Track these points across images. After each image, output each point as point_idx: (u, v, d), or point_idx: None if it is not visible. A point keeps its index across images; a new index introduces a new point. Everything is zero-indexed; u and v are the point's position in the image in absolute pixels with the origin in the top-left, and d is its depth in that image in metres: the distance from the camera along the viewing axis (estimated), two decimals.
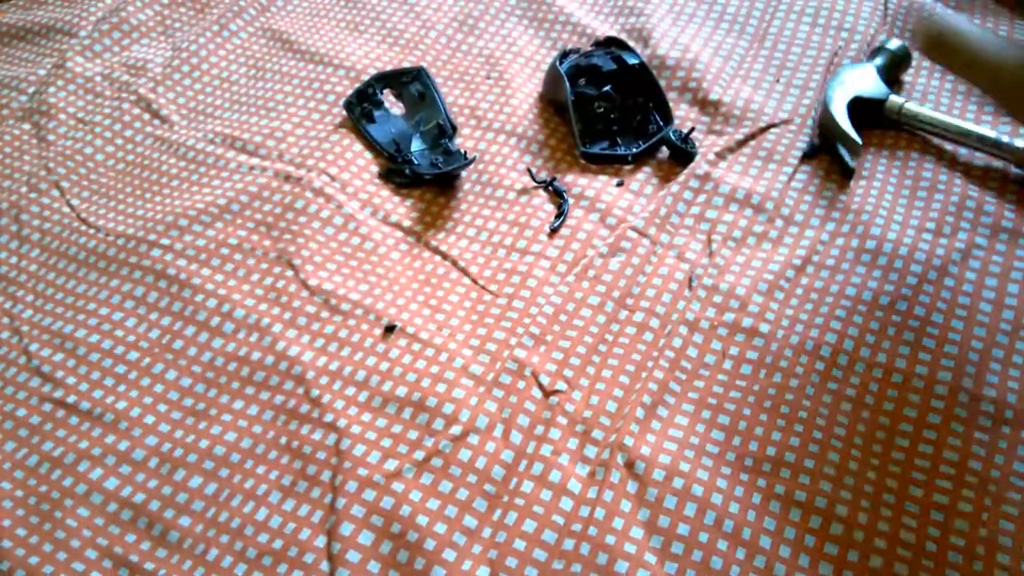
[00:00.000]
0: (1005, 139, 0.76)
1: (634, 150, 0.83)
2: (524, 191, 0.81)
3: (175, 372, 0.71)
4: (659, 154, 0.84)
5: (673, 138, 0.82)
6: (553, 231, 0.77)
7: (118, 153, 0.91)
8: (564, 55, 0.90)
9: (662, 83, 0.89)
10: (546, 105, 0.90)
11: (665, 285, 0.72)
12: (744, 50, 0.92)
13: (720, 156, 0.81)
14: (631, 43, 0.92)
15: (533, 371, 0.67)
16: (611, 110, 0.85)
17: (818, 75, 0.88)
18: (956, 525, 0.57)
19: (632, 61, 0.87)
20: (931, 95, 0.86)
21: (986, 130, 0.77)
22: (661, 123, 0.85)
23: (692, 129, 0.83)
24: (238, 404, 0.69)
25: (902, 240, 0.73)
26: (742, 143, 0.83)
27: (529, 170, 0.82)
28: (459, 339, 0.71)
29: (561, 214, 0.78)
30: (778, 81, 0.88)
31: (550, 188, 0.81)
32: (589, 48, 0.93)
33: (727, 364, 0.67)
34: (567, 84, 0.85)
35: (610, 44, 0.92)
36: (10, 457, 0.67)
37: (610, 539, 0.58)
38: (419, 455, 0.64)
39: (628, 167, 0.83)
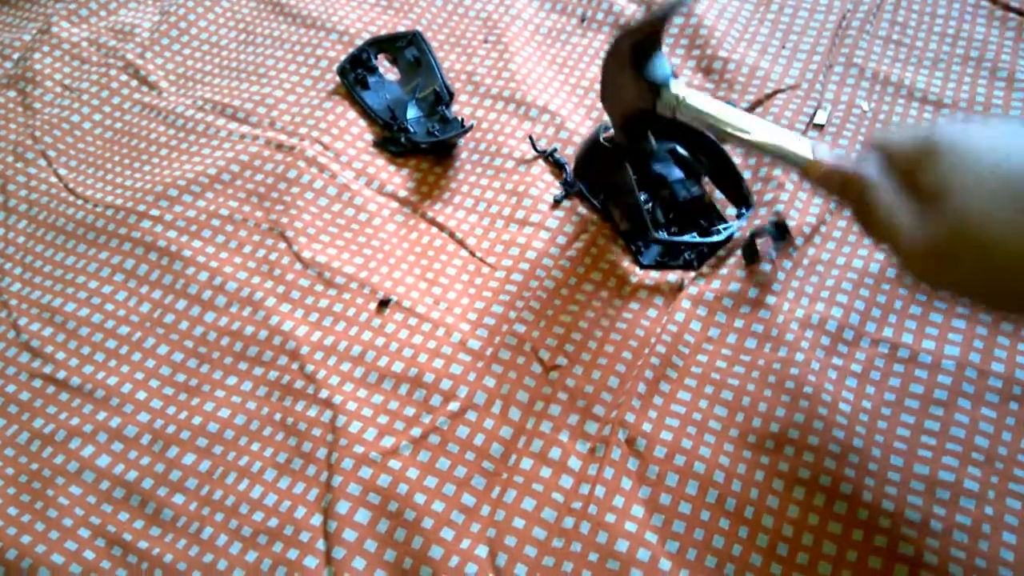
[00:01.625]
0: (792, 148, 0.57)
1: (708, 240, 0.70)
2: (523, 160, 0.79)
3: (167, 347, 0.70)
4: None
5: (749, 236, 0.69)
6: (557, 202, 0.75)
7: (106, 121, 0.88)
8: (605, 129, 0.74)
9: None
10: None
11: None
12: (750, 13, 0.90)
13: None
14: (632, 5, 0.88)
15: (533, 346, 0.66)
16: (671, 201, 0.73)
17: (825, 40, 0.86)
18: (962, 503, 0.56)
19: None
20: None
21: (773, 136, 0.59)
22: (740, 210, 0.71)
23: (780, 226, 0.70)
24: (231, 380, 0.67)
25: None
26: (748, 110, 0.80)
27: (530, 137, 0.80)
28: (456, 313, 0.69)
29: (567, 185, 0.76)
30: (783, 47, 0.86)
31: (550, 159, 0.79)
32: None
33: (731, 338, 0.65)
34: (630, 172, 0.70)
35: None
36: (0, 434, 0.66)
37: (610, 517, 0.57)
38: (416, 432, 0.62)
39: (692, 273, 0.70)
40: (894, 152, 0.49)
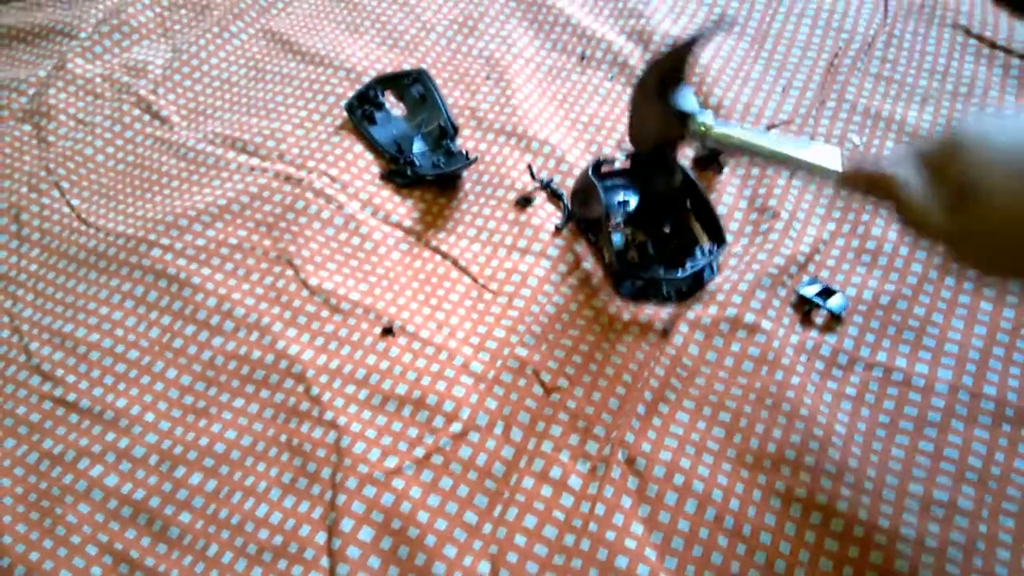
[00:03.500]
0: (819, 162, 0.58)
1: (679, 273, 0.71)
2: (524, 191, 0.81)
3: (175, 370, 0.71)
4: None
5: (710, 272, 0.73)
6: (558, 230, 0.77)
7: (118, 154, 0.91)
8: (598, 165, 0.78)
9: None
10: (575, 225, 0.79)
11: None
12: (744, 52, 0.93)
13: (723, 158, 0.82)
14: (631, 45, 0.91)
15: (535, 369, 0.67)
16: (649, 238, 0.75)
17: (818, 77, 0.89)
18: (956, 521, 0.57)
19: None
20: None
21: (799, 150, 0.60)
22: (710, 246, 0.73)
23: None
24: (238, 402, 0.69)
25: (903, 239, 0.74)
26: None
27: (530, 167, 0.82)
28: (459, 337, 0.71)
29: (566, 214, 0.78)
30: (786, 91, 0.88)
31: (548, 189, 0.81)
32: (625, 161, 0.81)
33: (728, 361, 0.67)
34: (602, 196, 0.73)
35: (650, 155, 0.76)
36: (10, 454, 0.67)
37: (610, 535, 0.58)
38: (419, 452, 0.64)
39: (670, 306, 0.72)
40: (923, 153, 0.51)
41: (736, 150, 0.63)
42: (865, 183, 0.54)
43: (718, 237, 0.73)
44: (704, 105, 0.87)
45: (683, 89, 0.66)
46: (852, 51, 0.91)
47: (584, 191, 0.77)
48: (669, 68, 0.65)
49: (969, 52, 0.90)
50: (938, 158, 0.51)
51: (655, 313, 0.71)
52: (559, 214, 0.79)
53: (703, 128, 0.64)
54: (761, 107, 0.86)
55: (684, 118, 0.65)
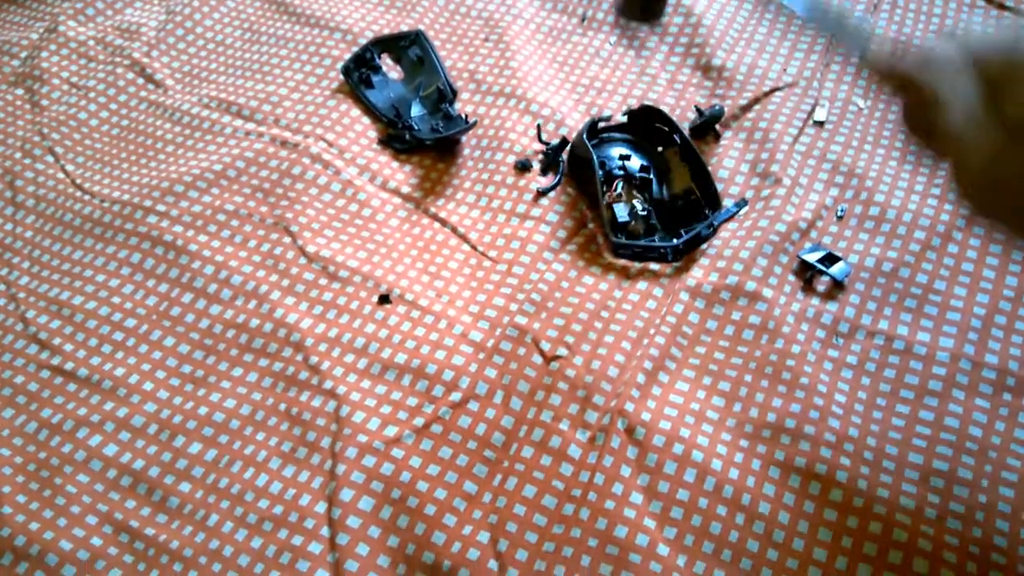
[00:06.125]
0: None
1: (675, 242, 0.71)
2: (524, 155, 0.80)
3: (173, 339, 0.71)
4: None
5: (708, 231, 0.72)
6: (541, 193, 0.76)
7: (112, 118, 0.89)
8: (595, 123, 0.78)
9: (664, 48, 0.88)
10: (571, 183, 0.79)
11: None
12: (748, 13, 0.91)
13: (724, 123, 0.81)
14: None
15: (534, 337, 0.67)
16: (647, 198, 0.75)
17: (823, 38, 0.87)
18: (956, 491, 0.57)
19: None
20: None
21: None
22: (707, 210, 0.74)
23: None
24: (237, 371, 0.68)
25: (906, 207, 0.73)
26: (746, 108, 0.82)
27: (538, 125, 0.81)
28: (458, 306, 0.70)
29: (557, 179, 0.77)
30: (781, 46, 0.87)
31: (547, 154, 0.80)
32: (621, 118, 0.81)
33: (729, 330, 0.66)
34: (596, 160, 0.73)
35: (647, 114, 0.79)
36: (9, 424, 0.67)
37: (610, 504, 0.58)
38: (419, 421, 0.63)
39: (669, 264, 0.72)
40: (983, 61, 0.44)
41: None
42: (898, 82, 0.47)
43: (714, 203, 0.73)
44: (707, 68, 0.85)
45: None
46: (858, 11, 0.89)
47: (579, 153, 0.76)
48: None
49: (977, 12, 0.88)
50: (1003, 73, 0.43)
51: (655, 278, 0.70)
52: (554, 177, 0.78)
53: None
54: (765, 68, 0.85)
55: None
